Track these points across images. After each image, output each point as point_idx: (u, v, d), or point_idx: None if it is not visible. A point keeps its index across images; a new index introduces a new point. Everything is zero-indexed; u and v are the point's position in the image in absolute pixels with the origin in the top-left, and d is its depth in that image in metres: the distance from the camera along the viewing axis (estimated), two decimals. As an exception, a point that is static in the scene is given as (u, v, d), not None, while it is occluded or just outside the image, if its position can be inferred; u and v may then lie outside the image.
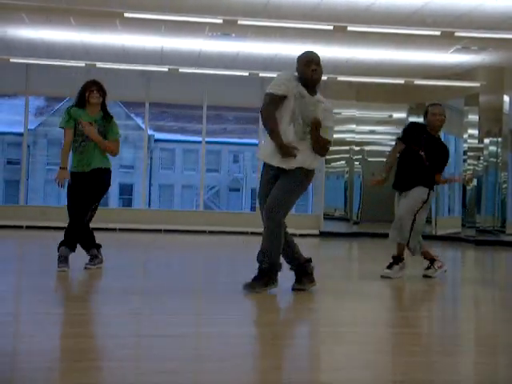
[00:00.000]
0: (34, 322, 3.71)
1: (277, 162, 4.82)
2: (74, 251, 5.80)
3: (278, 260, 4.82)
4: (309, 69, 4.80)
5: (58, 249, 5.73)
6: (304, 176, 4.85)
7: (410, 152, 6.21)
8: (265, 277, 4.76)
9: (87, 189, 5.81)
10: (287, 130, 4.79)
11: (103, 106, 6.03)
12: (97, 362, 2.78)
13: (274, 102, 4.80)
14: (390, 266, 6.15)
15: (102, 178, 5.89)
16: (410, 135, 6.28)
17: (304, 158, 4.79)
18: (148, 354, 2.93)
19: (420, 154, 6.16)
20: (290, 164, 4.79)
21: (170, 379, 2.50)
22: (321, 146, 4.82)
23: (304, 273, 5.01)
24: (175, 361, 2.79)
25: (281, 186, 4.80)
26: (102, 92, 5.99)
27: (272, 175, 4.88)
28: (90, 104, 5.94)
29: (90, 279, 5.68)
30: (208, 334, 3.47)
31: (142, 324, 3.80)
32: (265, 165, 4.94)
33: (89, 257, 6.03)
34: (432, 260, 6.27)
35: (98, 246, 6.09)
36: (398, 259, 6.14)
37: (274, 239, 4.75)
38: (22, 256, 6.21)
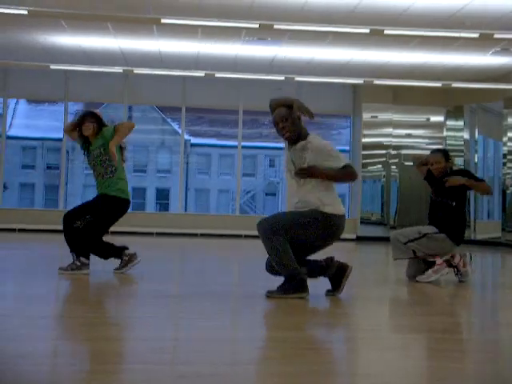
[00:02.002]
0: (70, 325, 3.76)
1: None
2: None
3: (293, 268, 4.69)
4: (277, 130, 4.73)
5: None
6: (318, 219, 4.67)
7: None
8: (286, 284, 4.72)
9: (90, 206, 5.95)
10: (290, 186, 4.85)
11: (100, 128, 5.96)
12: (133, 365, 2.80)
13: None
14: (424, 270, 6.10)
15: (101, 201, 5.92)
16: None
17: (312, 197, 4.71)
18: (185, 357, 2.94)
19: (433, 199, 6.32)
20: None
21: (206, 383, 2.50)
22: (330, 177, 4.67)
23: (329, 280, 4.97)
24: (210, 364, 2.79)
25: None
26: (94, 119, 5.95)
27: None
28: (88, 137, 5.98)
29: (125, 283, 5.73)
30: (243, 338, 3.47)
31: (179, 327, 3.82)
32: None
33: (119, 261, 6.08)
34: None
35: (119, 252, 6.09)
36: (428, 263, 6.09)
37: (271, 251, 4.69)
38: (60, 259, 6.30)
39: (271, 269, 4.92)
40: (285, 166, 4.91)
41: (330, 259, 4.87)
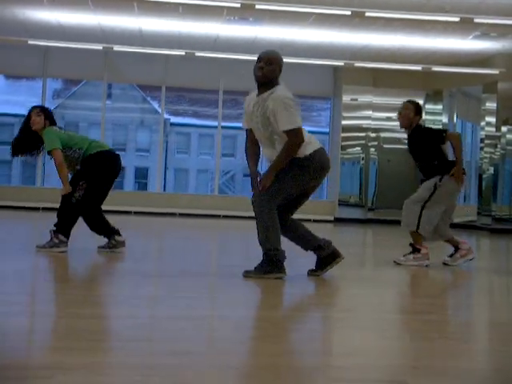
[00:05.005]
0: (48, 302, 3.76)
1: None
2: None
3: (275, 248, 4.74)
4: (256, 66, 4.76)
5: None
6: (296, 166, 4.72)
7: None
8: (264, 265, 4.76)
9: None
10: (262, 147, 4.89)
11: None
12: (110, 343, 2.82)
13: (246, 136, 4.99)
14: (407, 254, 6.13)
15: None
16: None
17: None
18: (162, 335, 2.96)
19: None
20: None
21: (183, 360, 2.52)
22: (286, 150, 4.68)
23: (317, 259, 5.02)
24: (188, 342, 2.81)
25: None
26: (42, 113, 5.93)
27: None
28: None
29: (104, 261, 5.73)
30: (221, 317, 3.49)
31: (156, 306, 3.84)
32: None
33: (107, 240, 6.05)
34: (456, 248, 6.23)
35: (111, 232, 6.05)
36: (414, 248, 6.11)
37: (262, 227, 4.73)
38: (37, 237, 6.27)
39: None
40: (246, 119, 4.95)
41: (329, 242, 5.00)
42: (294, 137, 4.65)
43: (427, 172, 6.18)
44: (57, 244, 5.78)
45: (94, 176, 5.86)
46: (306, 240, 4.98)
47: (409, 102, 6.30)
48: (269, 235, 4.72)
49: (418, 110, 6.21)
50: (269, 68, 4.72)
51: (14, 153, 6.10)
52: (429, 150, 6.14)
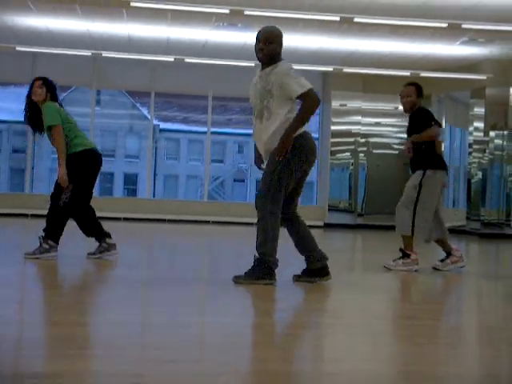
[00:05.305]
0: (35, 309, 3.74)
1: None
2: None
3: (269, 254, 4.75)
4: (256, 47, 4.89)
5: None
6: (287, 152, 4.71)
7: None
8: (256, 269, 4.75)
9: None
10: (253, 117, 4.92)
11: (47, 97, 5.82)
12: (100, 350, 2.80)
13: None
14: (396, 259, 6.14)
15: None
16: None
17: (275, 137, 4.73)
18: (151, 342, 2.95)
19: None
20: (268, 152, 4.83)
21: (173, 367, 2.51)
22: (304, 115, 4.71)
23: (306, 268, 5.01)
24: (178, 349, 2.80)
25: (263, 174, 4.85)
26: (45, 85, 5.80)
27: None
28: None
29: (93, 268, 5.70)
30: (211, 324, 3.48)
31: (146, 313, 3.82)
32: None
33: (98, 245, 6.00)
34: (448, 253, 6.25)
35: (103, 236, 5.99)
36: (403, 254, 6.12)
37: (262, 230, 4.73)
38: (26, 244, 6.25)
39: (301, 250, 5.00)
40: (250, 92, 4.98)
41: (324, 257, 4.98)
42: (310, 98, 4.73)
43: (415, 159, 6.17)
44: (47, 249, 5.73)
45: (79, 175, 5.78)
46: (305, 244, 4.97)
47: (410, 84, 6.29)
48: (267, 239, 4.73)
49: (419, 91, 6.21)
50: (269, 48, 4.85)
51: (33, 128, 6.00)
52: (422, 131, 6.11)
